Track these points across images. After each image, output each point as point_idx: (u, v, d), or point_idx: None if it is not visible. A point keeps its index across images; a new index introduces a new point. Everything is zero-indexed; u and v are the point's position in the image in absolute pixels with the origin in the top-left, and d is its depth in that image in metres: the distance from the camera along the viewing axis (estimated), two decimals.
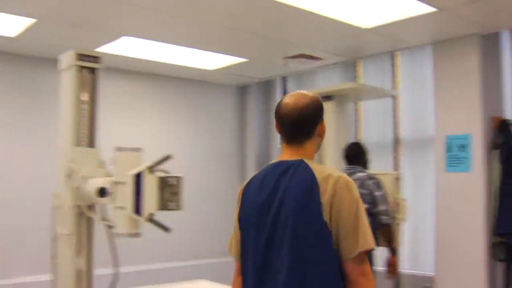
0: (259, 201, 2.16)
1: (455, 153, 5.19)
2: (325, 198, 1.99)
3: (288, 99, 2.20)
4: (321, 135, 2.24)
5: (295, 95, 2.22)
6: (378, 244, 4.37)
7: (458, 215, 5.15)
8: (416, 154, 5.99)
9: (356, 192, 2.05)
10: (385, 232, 4.56)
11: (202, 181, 7.18)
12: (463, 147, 5.13)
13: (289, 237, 2.03)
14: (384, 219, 4.39)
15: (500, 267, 5.08)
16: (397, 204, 4.83)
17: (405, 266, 5.76)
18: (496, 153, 5.07)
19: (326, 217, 1.98)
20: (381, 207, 4.38)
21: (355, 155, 4.72)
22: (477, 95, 5.08)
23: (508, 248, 5.04)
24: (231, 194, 7.47)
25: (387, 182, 4.74)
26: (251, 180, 2.29)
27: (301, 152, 2.18)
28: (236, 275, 2.34)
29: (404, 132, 6.12)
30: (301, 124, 2.17)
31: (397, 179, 4.99)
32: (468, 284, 5.05)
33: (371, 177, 4.49)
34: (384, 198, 4.43)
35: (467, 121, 5.14)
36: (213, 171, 7.42)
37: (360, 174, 4.52)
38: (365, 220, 2.03)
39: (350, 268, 2.00)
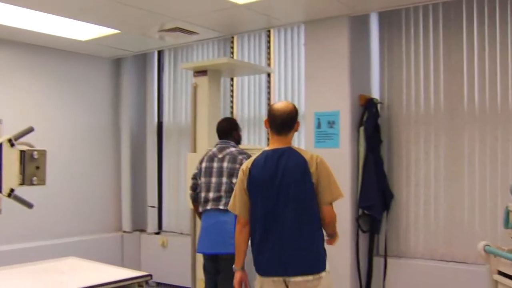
0: (265, 176, 3.28)
1: (324, 130, 5.37)
2: (312, 169, 3.24)
3: (279, 106, 3.41)
4: (297, 129, 3.43)
5: (284, 103, 3.45)
6: None
7: None
8: None
9: (326, 163, 3.32)
10: None
11: (73, 155, 6.92)
12: (332, 123, 5.32)
13: (293, 194, 3.23)
14: None
15: (364, 238, 5.40)
16: None
17: None
18: (362, 130, 5.32)
19: (314, 180, 3.24)
20: None
21: (227, 130, 4.79)
22: (345, 74, 5.27)
23: (371, 220, 5.35)
24: (104, 168, 7.36)
25: None
26: (254, 161, 3.38)
27: (286, 141, 3.38)
28: (241, 227, 3.41)
29: None
30: (288, 122, 3.36)
31: None
32: (335, 253, 5.26)
33: (242, 152, 4.63)
34: None
35: (335, 99, 5.32)
36: (86, 145, 7.14)
37: (232, 149, 4.64)
38: (334, 180, 3.32)
39: (326, 210, 3.29)
